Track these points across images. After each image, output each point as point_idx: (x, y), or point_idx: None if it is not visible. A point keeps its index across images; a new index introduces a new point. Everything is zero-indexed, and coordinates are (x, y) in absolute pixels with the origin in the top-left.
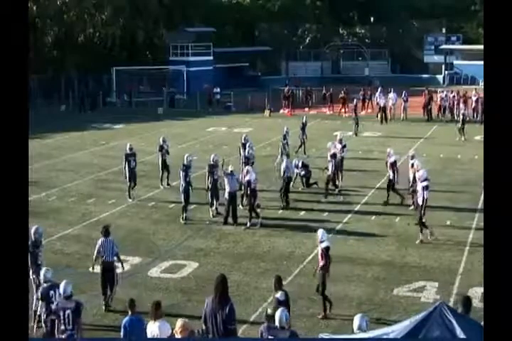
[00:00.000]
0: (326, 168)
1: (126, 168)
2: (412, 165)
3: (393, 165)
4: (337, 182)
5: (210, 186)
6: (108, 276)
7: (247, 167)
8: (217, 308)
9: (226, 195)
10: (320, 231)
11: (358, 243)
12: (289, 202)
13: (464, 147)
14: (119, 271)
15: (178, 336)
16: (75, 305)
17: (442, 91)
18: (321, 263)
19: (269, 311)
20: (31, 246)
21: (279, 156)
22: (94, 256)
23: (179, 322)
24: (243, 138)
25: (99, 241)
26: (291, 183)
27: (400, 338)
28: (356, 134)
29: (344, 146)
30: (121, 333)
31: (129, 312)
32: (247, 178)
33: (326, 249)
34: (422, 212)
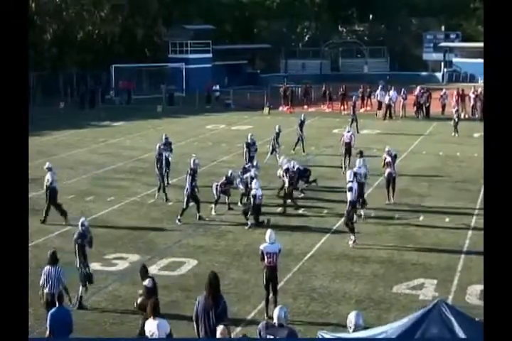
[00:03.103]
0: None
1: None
2: (385, 159)
3: (286, 172)
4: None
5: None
6: None
7: (250, 173)
8: (209, 306)
9: None
10: (269, 232)
11: (357, 240)
12: (366, 202)
13: (463, 144)
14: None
15: None
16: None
17: (441, 89)
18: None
19: (139, 300)
20: (79, 238)
21: (268, 154)
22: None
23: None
24: (249, 138)
25: (44, 270)
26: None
27: (398, 338)
28: (358, 131)
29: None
30: (48, 323)
31: (57, 304)
32: (245, 176)
33: (261, 252)
34: (347, 215)
